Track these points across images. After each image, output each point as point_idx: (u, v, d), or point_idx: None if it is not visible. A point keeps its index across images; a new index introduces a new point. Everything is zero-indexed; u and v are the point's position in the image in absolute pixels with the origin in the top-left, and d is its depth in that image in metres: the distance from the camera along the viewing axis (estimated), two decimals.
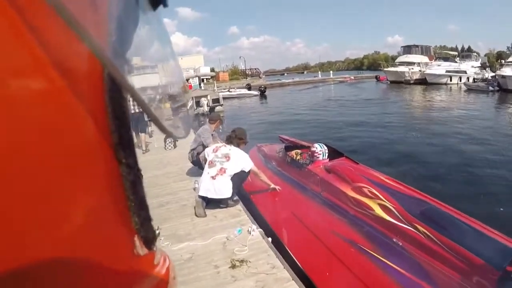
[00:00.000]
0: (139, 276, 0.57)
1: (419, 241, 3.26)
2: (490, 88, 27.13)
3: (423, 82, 35.71)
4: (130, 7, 0.46)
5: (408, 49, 44.98)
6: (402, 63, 41.64)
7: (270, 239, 3.78)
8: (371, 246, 3.57)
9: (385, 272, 3.25)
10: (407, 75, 38.66)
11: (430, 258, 3.14)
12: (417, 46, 44.41)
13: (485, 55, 59.88)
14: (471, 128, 12.59)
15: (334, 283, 3.29)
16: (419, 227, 3.32)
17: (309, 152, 5.42)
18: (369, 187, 4.02)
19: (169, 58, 0.56)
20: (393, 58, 59.42)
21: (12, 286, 0.36)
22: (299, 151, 5.94)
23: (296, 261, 3.46)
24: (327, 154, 5.17)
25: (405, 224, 3.45)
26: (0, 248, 0.34)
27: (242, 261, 3.28)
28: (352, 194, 4.14)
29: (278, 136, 7.41)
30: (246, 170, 4.43)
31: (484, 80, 31.89)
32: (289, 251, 3.64)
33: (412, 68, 38.82)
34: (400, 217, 3.52)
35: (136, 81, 0.42)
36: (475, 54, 46.44)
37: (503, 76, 25.39)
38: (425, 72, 36.24)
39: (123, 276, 0.52)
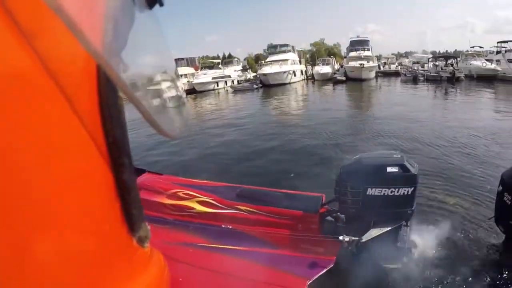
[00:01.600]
0: (133, 273, 0.58)
1: (245, 218, 3.76)
2: (254, 86, 32.35)
3: (193, 91, 38.56)
4: (126, 6, 0.45)
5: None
6: None
7: None
8: (206, 240, 3.80)
9: (229, 255, 3.57)
10: None
11: (260, 227, 3.68)
12: (182, 58, 47.38)
13: (244, 59, 69.13)
14: (244, 121, 14.82)
15: (191, 282, 3.34)
16: (240, 207, 3.79)
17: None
18: (182, 190, 4.25)
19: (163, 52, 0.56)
20: None
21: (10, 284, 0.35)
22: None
23: None
24: None
25: (227, 209, 3.84)
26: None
27: None
28: (169, 202, 4.24)
29: None
30: None
31: (247, 80, 37.53)
32: None
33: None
34: (220, 205, 3.91)
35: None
36: (236, 59, 53.58)
37: (264, 74, 30.76)
38: (193, 82, 39.17)
39: (117, 273, 0.53)
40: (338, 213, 3.89)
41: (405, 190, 3.44)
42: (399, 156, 3.67)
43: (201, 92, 37.23)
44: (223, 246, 3.67)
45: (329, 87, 29.89)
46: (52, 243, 0.38)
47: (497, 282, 3.81)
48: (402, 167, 3.46)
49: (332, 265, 3.45)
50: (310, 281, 3.23)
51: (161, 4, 0.50)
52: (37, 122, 0.35)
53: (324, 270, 3.37)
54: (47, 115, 0.36)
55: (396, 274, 3.71)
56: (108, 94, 0.45)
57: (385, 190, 3.45)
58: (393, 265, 3.71)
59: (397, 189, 3.44)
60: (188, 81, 40.14)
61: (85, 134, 0.42)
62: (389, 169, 3.45)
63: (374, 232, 3.52)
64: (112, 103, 0.45)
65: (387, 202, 3.48)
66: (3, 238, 0.34)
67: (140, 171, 5.49)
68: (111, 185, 0.48)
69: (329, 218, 3.92)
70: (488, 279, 3.89)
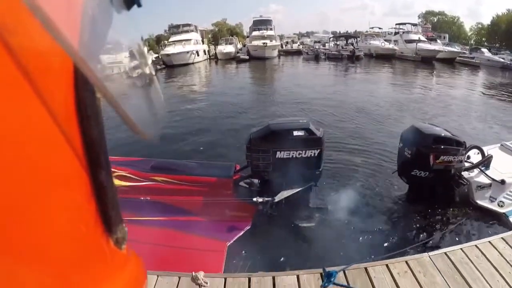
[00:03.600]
0: (109, 274, 0.57)
1: (162, 188, 3.72)
2: (157, 67, 30.63)
3: None
4: (104, 7, 0.45)
5: None
6: None
7: None
8: (126, 213, 3.74)
9: (150, 226, 3.49)
10: None
11: (177, 196, 3.68)
12: None
13: (145, 40, 64.82)
14: None
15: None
16: (156, 178, 3.77)
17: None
18: None
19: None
20: None
21: None
22: None
23: None
24: None
25: (143, 181, 3.81)
26: None
27: None
28: None
29: None
30: None
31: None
32: None
33: None
34: (137, 178, 3.81)
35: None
36: None
37: (167, 55, 29.37)
38: None
39: (93, 275, 0.52)
40: (251, 179, 4.07)
41: (311, 152, 3.69)
42: (305, 121, 3.91)
43: None
44: (143, 218, 3.62)
45: (232, 66, 29.88)
46: (25, 243, 0.37)
47: (408, 228, 4.17)
48: (308, 130, 3.70)
49: (249, 227, 3.62)
50: (230, 243, 3.37)
51: (139, 5, 0.50)
52: (11, 121, 0.34)
53: (242, 232, 3.53)
54: (22, 114, 0.35)
55: (310, 232, 3.93)
56: (85, 94, 0.43)
57: (293, 153, 3.67)
58: (307, 224, 3.97)
59: (304, 151, 3.67)
60: None
61: (61, 135, 0.41)
62: (295, 133, 3.67)
63: (285, 193, 3.74)
64: (89, 103, 0.44)
65: (295, 164, 3.69)
66: None
67: None
68: (87, 186, 0.47)
69: (242, 183, 4.07)
70: (400, 226, 4.25)
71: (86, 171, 0.46)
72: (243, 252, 3.55)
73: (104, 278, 0.55)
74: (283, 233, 3.86)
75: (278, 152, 3.68)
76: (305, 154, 3.70)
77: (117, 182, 3.86)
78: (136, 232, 3.53)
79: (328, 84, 17.43)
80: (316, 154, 3.72)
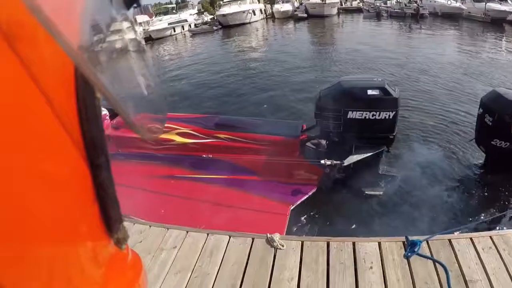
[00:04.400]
0: (110, 275, 0.56)
1: (226, 146, 3.63)
2: (214, 27, 30.89)
3: (149, 39, 36.68)
4: (104, 6, 0.46)
5: None
6: None
7: None
8: (187, 171, 3.73)
9: (210, 184, 3.52)
10: None
11: (241, 155, 3.59)
12: (135, 7, 44.52)
13: (198, 3, 65.87)
14: (208, 62, 14.27)
15: (176, 212, 3.32)
16: (220, 135, 3.67)
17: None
18: None
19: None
20: None
21: None
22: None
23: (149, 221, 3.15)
24: (108, 117, 4.79)
25: (206, 138, 3.73)
26: None
27: None
28: None
29: None
30: None
31: (205, 23, 35.78)
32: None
33: None
34: (200, 135, 3.76)
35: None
36: (191, 3, 50.65)
37: (223, 15, 29.32)
38: (148, 30, 37.13)
39: (94, 275, 0.52)
40: (319, 139, 3.83)
41: (386, 114, 3.33)
42: (380, 79, 3.53)
43: (158, 39, 35.66)
44: (206, 176, 3.60)
45: (290, 25, 28.92)
46: (26, 244, 0.37)
47: (482, 200, 3.85)
48: (383, 90, 3.33)
49: (314, 191, 3.46)
50: (293, 206, 3.24)
51: (139, 5, 0.52)
52: (13, 119, 0.33)
53: (307, 196, 3.39)
54: (25, 113, 0.35)
55: (377, 200, 3.71)
56: (86, 95, 0.44)
57: (366, 113, 3.34)
58: (374, 191, 3.72)
59: (378, 113, 3.33)
60: (143, 29, 38.05)
61: (64, 135, 0.41)
62: (370, 92, 3.31)
63: (355, 157, 3.47)
64: (89, 104, 0.44)
65: (368, 126, 3.38)
66: None
67: None
68: (88, 186, 0.47)
69: (309, 144, 3.85)
70: (475, 197, 3.92)
71: (86, 171, 0.46)
72: (307, 216, 3.44)
73: (105, 279, 0.55)
74: (349, 199, 3.65)
75: (350, 112, 3.35)
76: (379, 115, 3.35)
77: (181, 139, 3.87)
78: (198, 189, 3.52)
79: (391, 44, 16.06)
80: (391, 117, 3.36)
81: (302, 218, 3.39)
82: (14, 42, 0.31)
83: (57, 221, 0.42)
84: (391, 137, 3.52)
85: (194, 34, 32.55)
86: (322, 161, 3.39)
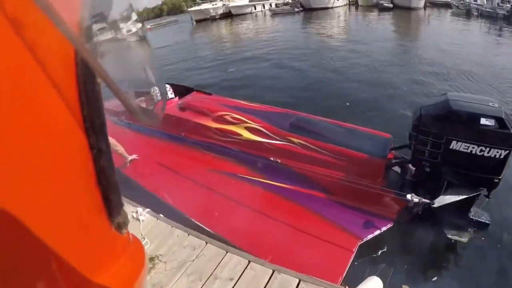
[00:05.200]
0: (110, 259, 0.56)
1: (297, 153, 3.19)
2: (295, 9, 30.28)
3: (229, 15, 36.92)
4: None
5: None
6: (205, 1, 41.77)
7: (161, 215, 3.09)
8: (250, 172, 3.39)
9: (272, 192, 3.16)
10: (212, 11, 39.12)
11: (313, 166, 3.13)
12: None
13: None
14: (287, 45, 13.71)
15: (231, 222, 3.04)
16: (292, 139, 3.23)
17: (151, 95, 4.74)
18: (230, 113, 3.68)
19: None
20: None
21: None
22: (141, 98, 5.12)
23: (206, 227, 2.93)
24: (173, 93, 4.64)
25: (277, 140, 3.31)
26: None
27: (152, 259, 2.54)
28: (214, 125, 3.73)
29: None
30: None
31: (286, 3, 35.21)
32: (188, 216, 3.07)
33: (216, 4, 39.40)
34: (271, 134, 3.36)
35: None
36: None
37: None
38: (229, 5, 37.30)
39: (94, 260, 0.52)
40: (408, 164, 3.16)
41: (497, 151, 2.63)
42: (496, 105, 2.77)
43: (237, 15, 35.80)
44: (269, 182, 3.24)
45: (374, 14, 26.79)
46: (26, 229, 0.37)
47: None
48: (500, 121, 2.60)
49: (390, 225, 2.87)
50: (362, 242, 2.70)
51: None
52: (11, 107, 0.34)
53: (380, 231, 2.80)
54: (22, 99, 0.35)
55: (460, 249, 3.06)
56: (86, 80, 0.43)
57: (473, 147, 2.66)
58: (459, 237, 3.04)
59: (488, 149, 2.64)
60: (223, 4, 38.38)
61: (62, 120, 0.41)
62: (483, 121, 2.61)
63: (448, 198, 2.81)
64: (89, 89, 0.44)
65: (472, 162, 2.70)
66: None
67: (188, 90, 4.95)
68: (90, 171, 0.47)
69: (395, 167, 3.22)
70: None
71: (88, 156, 0.46)
72: (377, 251, 2.88)
73: (105, 263, 0.54)
74: (428, 239, 3.04)
75: (454, 142, 2.69)
76: (488, 152, 2.66)
77: (248, 135, 3.51)
78: (260, 197, 3.16)
79: (480, 47, 13.18)
80: (502, 156, 2.65)
81: (373, 254, 2.85)
82: (21, 30, 0.32)
83: (58, 205, 0.42)
84: (496, 180, 2.78)
85: (274, 14, 32.33)
86: (409, 196, 2.75)
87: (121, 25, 0.55)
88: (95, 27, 0.43)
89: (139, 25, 0.57)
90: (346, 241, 2.68)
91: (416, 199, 2.74)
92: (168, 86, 4.62)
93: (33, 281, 0.42)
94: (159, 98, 4.05)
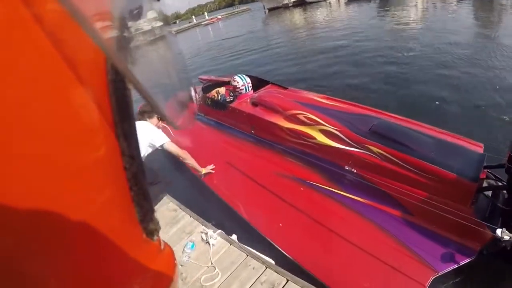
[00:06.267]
0: (142, 265, 0.56)
1: (376, 164, 2.87)
2: None
3: (302, 3, 36.18)
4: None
5: None
6: None
7: (235, 236, 2.93)
8: (322, 179, 3.15)
9: (343, 205, 2.88)
10: None
11: (392, 180, 2.79)
12: None
13: None
14: (365, 40, 12.91)
15: (294, 231, 2.83)
16: (372, 147, 2.91)
17: (231, 88, 4.60)
18: (304, 113, 3.47)
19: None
20: None
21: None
22: (219, 89, 5.02)
23: (279, 247, 2.74)
24: (250, 86, 4.45)
25: (355, 147, 3.02)
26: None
27: None
28: (286, 125, 3.55)
29: (198, 78, 6.25)
30: (157, 145, 3.14)
31: None
32: (261, 232, 2.91)
33: None
34: (348, 141, 3.08)
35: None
36: None
37: None
38: None
39: (126, 265, 0.52)
40: (503, 190, 2.70)
41: None
42: None
43: (310, 3, 35.03)
44: (341, 193, 2.97)
45: (453, 3, 24.44)
46: (58, 235, 0.38)
47: None
48: None
49: (472, 259, 2.47)
50: (437, 275, 2.37)
51: None
52: (46, 114, 0.34)
53: (458, 265, 2.44)
54: (56, 107, 0.35)
55: None
56: (117, 86, 0.43)
57: None
58: None
59: None
60: None
61: (94, 127, 0.41)
62: None
63: None
64: (120, 96, 0.44)
65: None
66: (7, 236, 0.34)
67: (263, 82, 4.90)
68: (121, 177, 0.47)
69: (486, 191, 2.75)
70: None
71: (120, 162, 0.46)
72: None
73: (136, 270, 0.55)
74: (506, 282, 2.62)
75: None
76: None
77: (323, 139, 3.25)
78: (329, 207, 2.89)
79: None
80: None
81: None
82: (57, 42, 0.32)
83: (91, 210, 0.41)
84: None
85: (349, 1, 30.91)
86: (499, 232, 2.32)
87: (148, 27, 0.55)
88: (126, 33, 0.42)
89: (167, 28, 0.56)
90: (420, 273, 2.36)
91: (506, 237, 2.30)
92: (247, 78, 4.43)
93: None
94: (191, 101, 3.88)
